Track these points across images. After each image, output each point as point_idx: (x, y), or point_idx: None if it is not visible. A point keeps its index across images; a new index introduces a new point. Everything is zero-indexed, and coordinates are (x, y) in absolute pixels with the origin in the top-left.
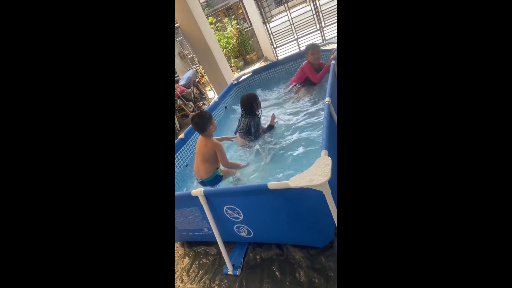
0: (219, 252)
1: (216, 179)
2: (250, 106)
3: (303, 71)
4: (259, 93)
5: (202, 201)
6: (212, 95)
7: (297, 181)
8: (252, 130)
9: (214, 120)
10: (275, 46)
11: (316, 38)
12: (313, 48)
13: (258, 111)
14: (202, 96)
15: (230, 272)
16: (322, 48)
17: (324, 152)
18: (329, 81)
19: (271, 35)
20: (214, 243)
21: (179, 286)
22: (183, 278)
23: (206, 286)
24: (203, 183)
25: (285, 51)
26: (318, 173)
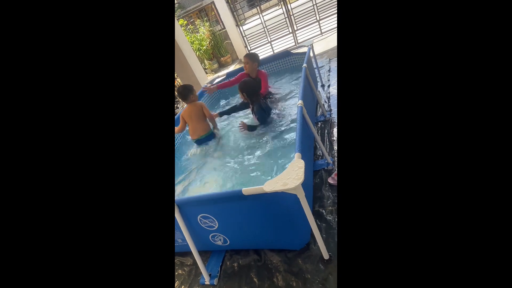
0: (195, 262)
1: (210, 135)
2: (253, 90)
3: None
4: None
5: (175, 210)
6: None
7: (272, 185)
8: (265, 115)
9: (195, 91)
10: (249, 49)
11: (288, 41)
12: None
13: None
14: (175, 99)
15: (207, 282)
16: (294, 51)
17: (297, 155)
18: (301, 85)
19: (244, 38)
20: (190, 253)
21: None
22: None
23: None
24: (199, 141)
25: (259, 54)
26: (292, 176)
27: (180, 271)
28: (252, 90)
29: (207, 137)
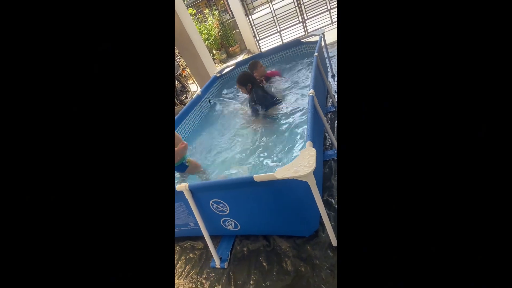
0: (205, 246)
1: (181, 166)
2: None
3: None
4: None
5: (187, 196)
6: (194, 88)
7: (283, 172)
8: (262, 99)
9: None
10: (258, 39)
11: (298, 31)
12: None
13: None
14: (184, 89)
15: (218, 265)
16: (305, 40)
17: (308, 144)
18: (312, 74)
19: (253, 27)
20: (201, 237)
21: None
22: None
23: (193, 281)
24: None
25: (268, 44)
26: (303, 164)
27: (191, 255)
28: (247, 79)
29: (177, 167)
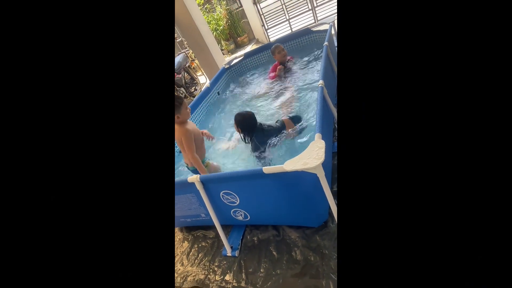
0: (217, 235)
1: (194, 170)
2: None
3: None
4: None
5: (199, 187)
6: (203, 80)
7: (292, 164)
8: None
9: (186, 109)
10: (266, 28)
11: (308, 19)
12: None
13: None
14: (193, 81)
15: (229, 254)
16: (315, 29)
17: (317, 135)
18: (322, 64)
19: (262, 16)
20: (212, 227)
21: (179, 269)
22: (183, 262)
23: (206, 268)
24: (189, 168)
25: (277, 33)
26: (312, 156)
27: (203, 243)
28: (248, 124)
29: (194, 170)
